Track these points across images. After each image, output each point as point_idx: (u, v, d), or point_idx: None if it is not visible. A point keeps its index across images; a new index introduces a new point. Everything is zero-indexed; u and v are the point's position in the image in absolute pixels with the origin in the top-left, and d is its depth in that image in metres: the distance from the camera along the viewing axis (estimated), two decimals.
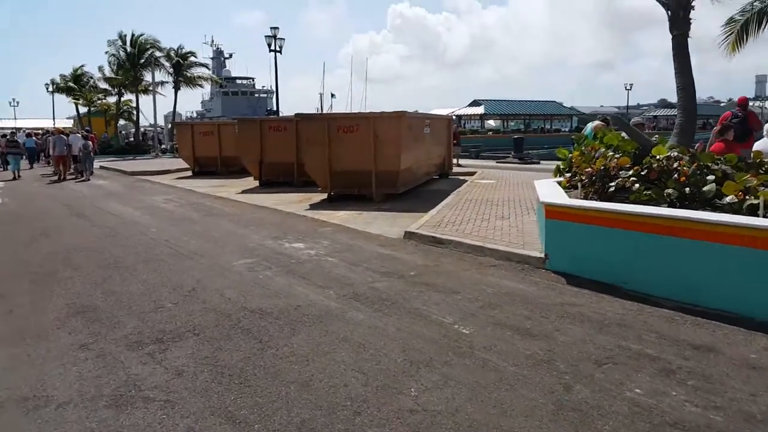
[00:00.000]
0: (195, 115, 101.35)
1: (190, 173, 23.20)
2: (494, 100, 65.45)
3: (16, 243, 9.62)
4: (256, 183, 18.28)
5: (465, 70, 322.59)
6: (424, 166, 16.48)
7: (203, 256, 8.12)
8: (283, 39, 32.27)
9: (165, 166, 26.44)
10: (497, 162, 29.90)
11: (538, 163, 30.66)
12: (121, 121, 55.51)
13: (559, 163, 9.27)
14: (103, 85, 46.44)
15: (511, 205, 11.74)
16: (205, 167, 22.98)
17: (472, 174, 20.33)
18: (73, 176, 22.79)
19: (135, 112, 47.15)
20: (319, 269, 7.27)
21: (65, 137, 22.90)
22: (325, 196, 14.52)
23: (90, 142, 23.23)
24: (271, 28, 31.73)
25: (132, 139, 46.77)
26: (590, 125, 11.15)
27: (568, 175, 8.47)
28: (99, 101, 45.57)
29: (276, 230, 10.17)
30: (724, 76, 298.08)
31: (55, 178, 22.47)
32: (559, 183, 8.89)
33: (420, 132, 15.44)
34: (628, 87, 78.68)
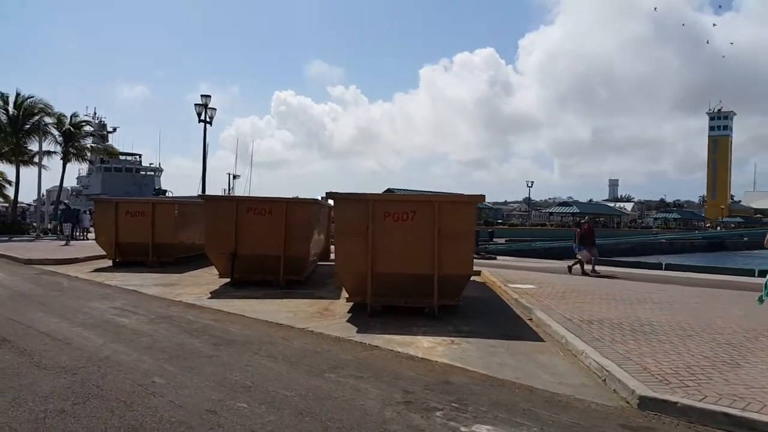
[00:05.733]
0: (70, 191, 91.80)
1: (109, 263, 18.04)
2: (408, 190, 63.72)
3: None
4: (221, 281, 13.75)
5: (349, 160, 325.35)
6: None
7: None
8: (215, 109, 28.23)
9: (65, 253, 21.01)
10: None
11: (495, 258, 28.37)
12: None
13: None
14: None
15: (671, 333, 8.41)
16: (129, 256, 17.95)
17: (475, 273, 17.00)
18: None
19: (12, 186, 40.19)
20: None
21: None
22: (348, 305, 10.62)
23: None
24: (202, 96, 27.67)
25: (6, 217, 39.61)
26: None
27: None
28: None
29: (380, 383, 6.08)
30: (582, 179, 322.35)
31: None
32: None
33: None
34: (529, 184, 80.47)
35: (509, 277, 15.58)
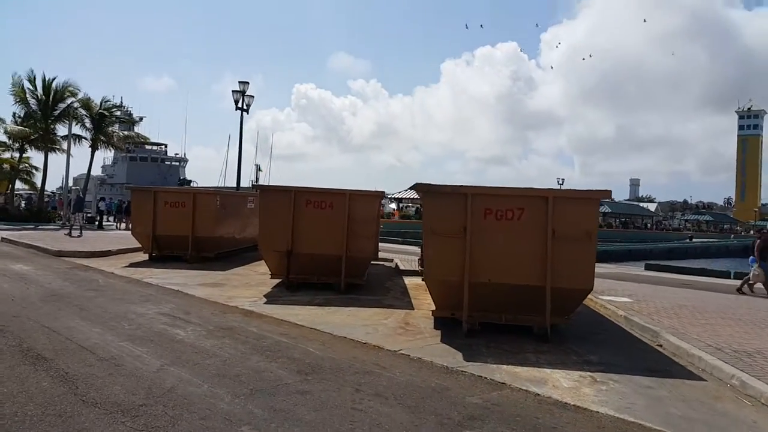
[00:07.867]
0: (96, 180, 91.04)
1: (144, 257, 16.62)
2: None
3: None
4: (272, 281, 12.28)
5: (367, 154, 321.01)
6: None
7: None
8: (252, 96, 26.72)
9: (96, 245, 19.58)
10: None
11: None
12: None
13: None
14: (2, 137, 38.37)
15: None
16: (167, 250, 16.54)
17: None
18: None
19: (39, 173, 39.01)
20: None
21: None
22: (429, 318, 9.12)
23: None
24: (239, 82, 26.13)
25: (32, 204, 38.55)
26: None
27: None
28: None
29: None
30: (603, 177, 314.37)
31: None
32: None
33: None
34: (560, 181, 78.04)
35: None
